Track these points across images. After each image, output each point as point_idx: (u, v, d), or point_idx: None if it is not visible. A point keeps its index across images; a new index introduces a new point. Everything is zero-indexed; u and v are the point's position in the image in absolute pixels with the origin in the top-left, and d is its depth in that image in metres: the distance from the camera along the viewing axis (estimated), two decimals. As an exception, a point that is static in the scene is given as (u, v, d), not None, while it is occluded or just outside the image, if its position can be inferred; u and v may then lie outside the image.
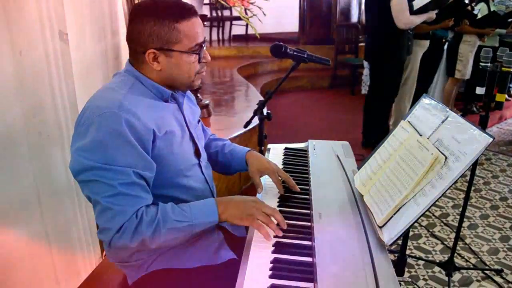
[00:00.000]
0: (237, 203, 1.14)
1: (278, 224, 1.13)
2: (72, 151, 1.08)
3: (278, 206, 1.29)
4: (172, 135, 1.18)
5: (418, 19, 3.33)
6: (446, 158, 1.03)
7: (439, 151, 1.06)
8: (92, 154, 1.02)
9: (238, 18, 6.93)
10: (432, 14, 3.43)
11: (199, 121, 1.42)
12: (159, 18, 1.10)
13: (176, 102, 1.25)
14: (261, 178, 1.39)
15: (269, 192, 1.37)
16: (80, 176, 1.06)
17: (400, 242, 1.87)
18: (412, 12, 3.27)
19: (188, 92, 1.38)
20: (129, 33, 1.15)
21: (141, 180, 1.07)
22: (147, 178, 1.09)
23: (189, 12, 1.13)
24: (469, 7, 4.22)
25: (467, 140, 1.02)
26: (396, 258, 1.86)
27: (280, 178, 1.38)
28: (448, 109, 1.17)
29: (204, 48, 1.19)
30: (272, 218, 1.12)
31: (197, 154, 1.30)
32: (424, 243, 2.52)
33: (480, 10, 4.37)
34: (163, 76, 1.18)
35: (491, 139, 0.97)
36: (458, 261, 2.33)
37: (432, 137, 1.14)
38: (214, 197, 1.36)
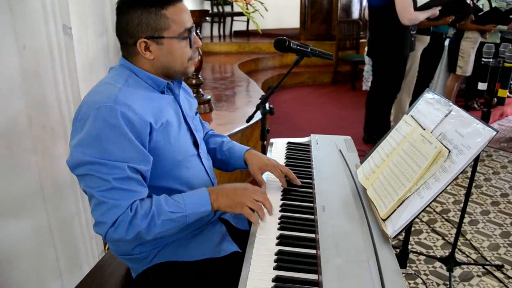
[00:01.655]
0: (227, 191, 1.16)
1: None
2: (70, 146, 1.08)
3: (281, 200, 1.29)
4: (169, 126, 1.18)
5: (422, 15, 3.33)
6: (449, 151, 1.04)
7: (443, 144, 1.06)
8: (88, 149, 1.03)
9: (239, 14, 6.93)
10: (435, 11, 3.43)
11: (196, 113, 1.43)
12: (146, 7, 1.10)
13: (172, 94, 1.26)
14: (263, 175, 1.40)
15: (272, 186, 1.37)
16: (76, 170, 1.06)
17: (401, 236, 1.88)
18: (416, 8, 3.27)
19: (185, 84, 1.38)
20: (118, 26, 1.16)
21: (136, 174, 1.07)
22: (143, 172, 1.09)
23: None
24: (471, 3, 4.21)
25: (470, 133, 1.02)
26: (398, 252, 1.87)
27: (281, 172, 1.38)
28: (451, 103, 1.18)
29: (193, 33, 1.19)
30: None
31: (196, 144, 1.30)
32: (425, 238, 2.53)
33: (482, 6, 4.36)
34: (157, 65, 1.18)
35: (494, 133, 0.98)
36: (459, 256, 2.34)
37: (436, 131, 1.14)
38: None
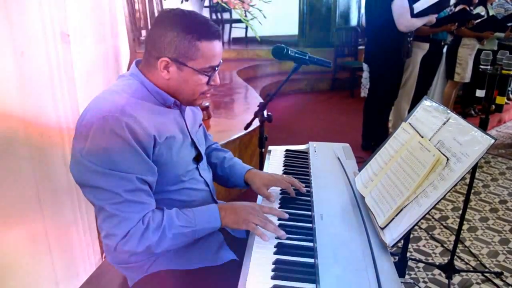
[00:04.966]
0: (235, 209, 1.16)
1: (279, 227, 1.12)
2: (73, 153, 1.07)
3: (279, 208, 1.29)
4: (173, 141, 1.17)
5: (419, 22, 3.35)
6: (447, 159, 1.04)
7: (441, 152, 1.06)
8: (95, 158, 1.02)
9: (238, 21, 6.95)
10: (432, 18, 3.45)
11: (200, 124, 1.42)
12: (184, 31, 1.09)
13: (179, 108, 1.25)
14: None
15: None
16: (82, 180, 1.06)
17: (400, 244, 1.87)
18: (413, 15, 3.29)
19: None
20: (150, 35, 1.15)
21: (144, 185, 1.08)
22: (150, 182, 1.10)
23: (214, 34, 1.13)
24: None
25: (468, 141, 1.02)
26: (396, 260, 1.87)
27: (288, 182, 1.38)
28: (449, 111, 1.18)
29: (217, 71, 1.19)
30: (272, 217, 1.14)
31: (197, 159, 1.30)
32: (424, 245, 2.52)
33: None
34: (169, 86, 1.17)
35: (492, 141, 0.97)
36: (458, 263, 2.33)
37: (434, 138, 1.14)
38: (215, 199, 1.36)
